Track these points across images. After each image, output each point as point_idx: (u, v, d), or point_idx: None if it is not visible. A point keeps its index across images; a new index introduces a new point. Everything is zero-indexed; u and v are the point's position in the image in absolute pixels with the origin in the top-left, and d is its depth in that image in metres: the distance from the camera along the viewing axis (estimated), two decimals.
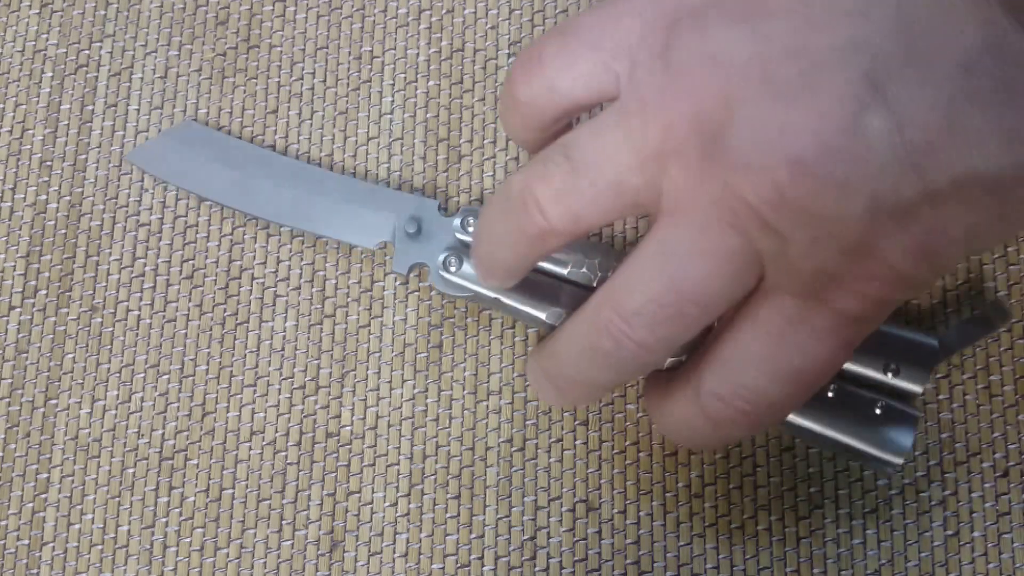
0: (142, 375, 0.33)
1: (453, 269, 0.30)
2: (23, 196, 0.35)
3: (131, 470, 0.33)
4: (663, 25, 0.24)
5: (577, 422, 0.32)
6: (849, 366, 0.29)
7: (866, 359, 0.29)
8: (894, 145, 0.22)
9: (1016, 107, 0.22)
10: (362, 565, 0.31)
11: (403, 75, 0.36)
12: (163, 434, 0.33)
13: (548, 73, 0.25)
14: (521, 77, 0.26)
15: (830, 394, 0.29)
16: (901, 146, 0.22)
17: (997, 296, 0.30)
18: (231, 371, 0.33)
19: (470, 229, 0.31)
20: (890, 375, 0.29)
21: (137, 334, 0.34)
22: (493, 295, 0.30)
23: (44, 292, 0.34)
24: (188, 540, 0.32)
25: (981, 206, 0.22)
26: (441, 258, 0.30)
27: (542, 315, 0.30)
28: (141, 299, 0.34)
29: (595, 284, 0.29)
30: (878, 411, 0.29)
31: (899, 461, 0.29)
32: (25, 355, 0.34)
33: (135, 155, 0.35)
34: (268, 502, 0.32)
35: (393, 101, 0.35)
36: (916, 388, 0.29)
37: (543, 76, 0.26)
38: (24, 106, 0.36)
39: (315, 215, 0.32)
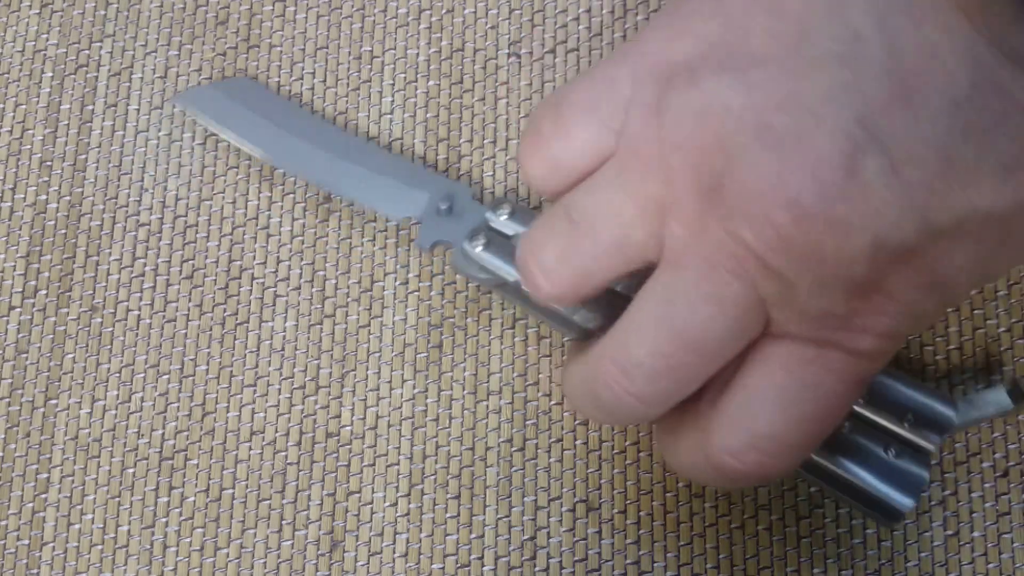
0: (142, 375, 0.33)
1: (479, 249, 0.30)
2: (23, 196, 0.35)
3: (131, 470, 0.33)
4: (655, 81, 0.24)
5: (577, 422, 0.32)
6: (866, 412, 0.29)
7: (884, 408, 0.29)
8: (891, 185, 0.22)
9: (1008, 138, 0.22)
10: (362, 565, 0.31)
11: (403, 75, 0.36)
12: (163, 434, 0.33)
13: (551, 148, 0.26)
14: (527, 154, 0.26)
15: (844, 430, 0.29)
16: (899, 185, 0.22)
17: (1016, 377, 0.30)
18: (231, 371, 0.33)
19: (502, 218, 0.30)
20: (907, 426, 0.29)
21: (137, 334, 0.34)
22: (514, 279, 0.29)
23: (44, 292, 0.34)
24: (188, 540, 0.32)
25: (984, 237, 0.23)
26: (468, 235, 0.30)
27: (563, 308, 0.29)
28: (141, 299, 0.34)
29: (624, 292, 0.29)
30: (891, 453, 0.28)
31: (907, 507, 0.28)
32: (25, 355, 0.34)
33: (181, 97, 0.35)
34: (268, 502, 0.32)
35: (393, 101, 0.35)
36: (930, 445, 0.29)
37: (547, 152, 0.26)
38: (24, 106, 0.36)
39: (349, 181, 0.33)
